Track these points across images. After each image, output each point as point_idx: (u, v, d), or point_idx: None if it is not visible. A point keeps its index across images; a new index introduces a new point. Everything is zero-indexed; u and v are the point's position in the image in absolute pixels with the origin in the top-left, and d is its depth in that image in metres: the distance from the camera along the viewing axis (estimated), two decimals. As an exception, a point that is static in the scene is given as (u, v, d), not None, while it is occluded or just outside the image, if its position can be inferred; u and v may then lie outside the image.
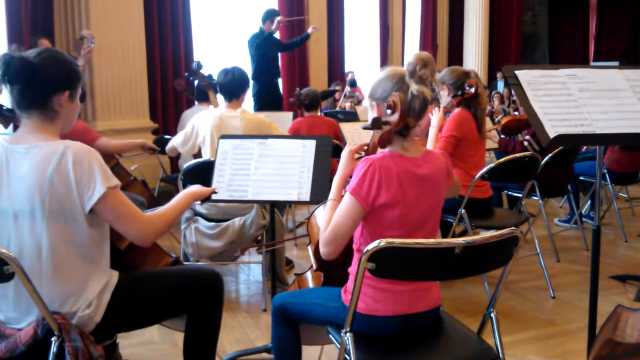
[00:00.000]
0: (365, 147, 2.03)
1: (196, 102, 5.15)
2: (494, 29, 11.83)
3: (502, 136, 4.97)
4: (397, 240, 1.56)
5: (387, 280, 1.74)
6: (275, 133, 3.41)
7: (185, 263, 3.14)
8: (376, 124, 1.77)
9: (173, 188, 5.07)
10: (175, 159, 5.59)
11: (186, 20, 6.79)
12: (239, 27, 7.57)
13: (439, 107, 3.30)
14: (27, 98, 1.76)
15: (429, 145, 3.11)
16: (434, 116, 3.20)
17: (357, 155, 2.02)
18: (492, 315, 1.80)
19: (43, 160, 1.71)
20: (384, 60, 9.92)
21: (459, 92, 3.40)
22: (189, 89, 5.67)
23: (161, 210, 1.91)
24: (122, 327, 1.96)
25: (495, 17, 11.84)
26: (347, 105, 8.39)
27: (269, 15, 6.21)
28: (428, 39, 10.73)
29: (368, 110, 1.94)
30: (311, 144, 2.62)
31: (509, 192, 4.25)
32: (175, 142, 3.58)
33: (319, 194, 2.51)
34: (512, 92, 9.47)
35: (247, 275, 3.95)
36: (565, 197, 5.04)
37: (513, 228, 1.64)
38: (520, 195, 3.84)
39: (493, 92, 10.60)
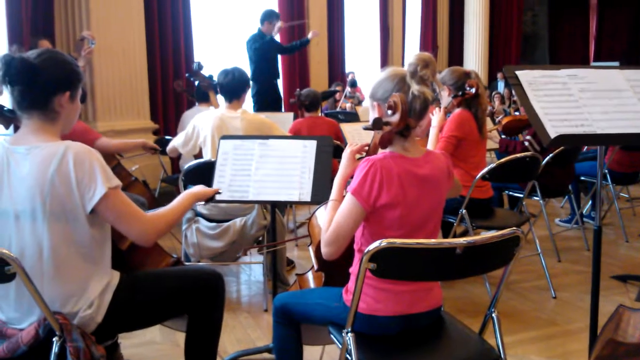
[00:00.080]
0: (366, 148, 2.03)
1: (196, 103, 5.15)
2: (494, 29, 11.83)
3: (503, 136, 4.96)
4: (398, 241, 1.56)
5: (388, 280, 1.74)
6: (276, 133, 3.41)
7: (187, 263, 3.14)
8: (377, 124, 1.77)
9: (174, 189, 5.07)
10: (176, 159, 5.59)
11: (186, 20, 6.80)
12: (239, 27, 7.57)
13: (440, 108, 3.30)
14: (27, 99, 1.76)
15: (430, 146, 3.11)
16: (435, 116, 3.20)
17: (358, 156, 2.03)
18: (493, 315, 1.79)
19: (44, 161, 1.71)
20: (384, 61, 9.92)
21: (460, 93, 3.40)
22: (188, 90, 5.68)
23: (163, 211, 1.91)
24: (124, 327, 1.96)
25: (495, 17, 11.84)
26: (348, 105, 8.40)
27: (268, 17, 6.21)
28: (428, 40, 10.73)
29: (369, 111, 1.94)
30: (312, 145, 2.62)
31: (510, 193, 4.25)
32: (176, 142, 3.58)
33: (320, 194, 2.50)
34: (513, 92, 9.48)
35: (248, 276, 3.95)
36: (566, 197, 5.04)
37: (514, 228, 1.64)
38: (521, 195, 3.84)
39: (493, 93, 10.61)
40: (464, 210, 3.28)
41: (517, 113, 7.58)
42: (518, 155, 3.40)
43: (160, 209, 1.93)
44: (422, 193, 1.79)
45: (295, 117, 5.35)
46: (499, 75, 11.76)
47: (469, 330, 1.88)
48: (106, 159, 1.86)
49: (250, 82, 3.94)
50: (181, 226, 3.41)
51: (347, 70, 9.60)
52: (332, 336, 1.88)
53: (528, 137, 4.36)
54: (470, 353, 1.77)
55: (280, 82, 6.90)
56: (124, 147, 3.85)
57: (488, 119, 4.67)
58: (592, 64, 13.24)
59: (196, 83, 4.87)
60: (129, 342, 2.77)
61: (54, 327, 1.70)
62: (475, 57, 11.08)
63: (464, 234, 3.66)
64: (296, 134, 4.56)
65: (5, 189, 1.73)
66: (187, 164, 3.36)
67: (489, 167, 3.31)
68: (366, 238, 1.80)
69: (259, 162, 2.63)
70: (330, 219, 1.81)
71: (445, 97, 3.48)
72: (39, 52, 1.78)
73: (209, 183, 2.52)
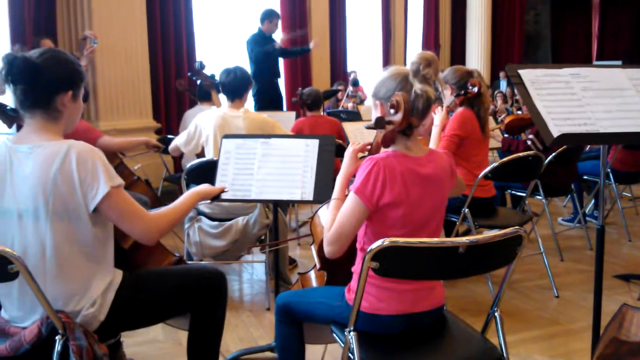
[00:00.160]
0: (369, 147, 2.03)
1: (198, 102, 5.15)
2: (496, 28, 11.82)
3: (506, 135, 4.96)
4: (401, 240, 1.56)
5: (390, 279, 1.74)
6: (278, 132, 3.41)
7: (189, 262, 3.14)
8: (379, 123, 1.77)
9: (176, 187, 5.08)
10: (178, 158, 5.59)
11: (188, 20, 6.80)
12: (241, 27, 7.57)
13: (442, 107, 3.29)
14: (30, 98, 1.76)
15: (432, 145, 3.10)
16: (437, 115, 3.20)
17: (360, 155, 2.02)
18: (496, 314, 1.79)
19: (46, 160, 1.71)
20: (386, 60, 9.92)
21: (462, 92, 3.40)
22: (191, 89, 5.68)
23: (166, 209, 1.91)
24: (126, 325, 1.96)
25: (497, 16, 11.83)
26: (350, 105, 8.40)
27: (267, 16, 6.21)
28: (430, 39, 10.72)
29: (371, 110, 1.94)
30: (314, 144, 2.62)
31: (513, 192, 4.24)
32: (178, 141, 3.58)
33: (322, 193, 2.50)
34: (515, 91, 9.46)
35: (251, 275, 3.95)
36: (569, 196, 5.03)
37: (517, 227, 1.64)
38: (524, 194, 3.83)
39: (496, 92, 10.60)
40: (466, 209, 3.28)
41: (519, 112, 7.57)
42: (520, 154, 3.40)
43: (163, 207, 1.93)
44: (425, 192, 1.78)
45: (298, 116, 5.35)
46: (502, 74, 11.76)
47: (471, 329, 1.87)
48: (108, 157, 1.87)
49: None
50: (183, 225, 3.42)
51: (349, 70, 9.59)
52: (334, 335, 1.88)
53: (531, 136, 4.35)
54: (473, 352, 1.77)
55: (282, 81, 6.89)
56: (126, 146, 3.85)
57: (490, 118, 4.67)
58: (595, 63, 13.22)
59: (198, 82, 4.86)
60: (132, 341, 2.78)
61: (57, 326, 1.70)
62: (477, 56, 11.07)
63: (467, 233, 3.66)
64: (298, 133, 4.56)
65: (8, 188, 1.73)
66: (190, 163, 3.36)
67: (492, 166, 3.30)
68: (369, 237, 1.80)
69: (261, 161, 2.63)
70: (332, 218, 1.81)
71: (448, 96, 3.48)
72: (41, 51, 1.78)
73: (211, 182, 2.52)
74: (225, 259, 3.43)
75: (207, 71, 4.54)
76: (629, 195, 5.63)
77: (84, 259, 1.78)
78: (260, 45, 6.18)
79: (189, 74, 4.98)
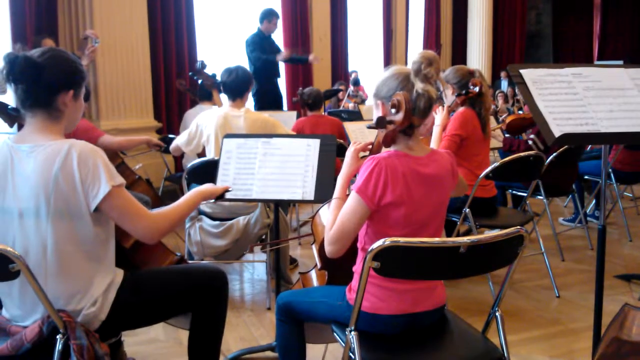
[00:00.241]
0: (370, 146, 2.03)
1: (199, 102, 5.15)
2: (497, 28, 11.82)
3: (507, 135, 4.96)
4: (402, 239, 1.56)
5: (391, 279, 1.74)
6: (280, 132, 3.41)
7: (190, 262, 3.14)
8: (381, 123, 1.77)
9: (177, 187, 5.08)
10: (179, 158, 5.59)
11: (189, 19, 6.80)
12: (242, 26, 7.57)
13: (443, 106, 3.29)
14: (31, 97, 1.76)
15: (433, 144, 3.10)
16: (438, 115, 3.20)
17: (361, 154, 2.02)
18: (497, 314, 1.79)
19: (48, 159, 1.71)
20: (388, 60, 9.92)
21: (464, 91, 3.39)
22: (191, 89, 5.68)
23: (167, 209, 1.91)
24: (127, 325, 1.96)
25: (499, 16, 11.83)
26: (351, 105, 8.39)
27: (266, 15, 6.21)
28: (432, 38, 10.72)
29: (373, 109, 1.94)
30: (315, 143, 2.62)
31: (514, 191, 4.24)
32: (179, 141, 3.58)
33: (323, 193, 2.51)
34: (517, 91, 9.46)
35: (252, 274, 3.96)
36: (570, 196, 5.03)
37: (518, 227, 1.64)
38: (525, 194, 3.83)
39: (497, 91, 10.61)
40: (467, 209, 3.27)
41: (520, 112, 7.57)
42: (522, 154, 3.40)
43: (165, 207, 1.93)
44: (426, 192, 1.78)
45: (299, 116, 5.35)
46: (503, 74, 11.75)
47: (472, 329, 1.87)
48: (110, 157, 1.87)
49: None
50: (184, 224, 3.42)
51: (350, 69, 9.59)
52: (335, 335, 1.88)
53: (532, 136, 4.35)
54: (474, 352, 1.76)
55: (283, 81, 6.87)
56: (127, 144, 3.85)
57: (492, 118, 4.67)
58: (596, 62, 13.21)
59: (199, 82, 4.86)
60: (132, 340, 2.78)
61: (58, 325, 1.70)
62: (478, 56, 11.07)
63: (468, 232, 3.66)
64: (299, 133, 4.56)
65: (9, 187, 1.73)
66: (191, 162, 3.36)
67: (493, 166, 3.30)
68: (370, 237, 1.80)
69: (262, 161, 2.63)
70: (334, 218, 1.81)
71: (449, 96, 3.48)
72: (42, 50, 1.78)
73: (212, 182, 2.52)
74: (226, 258, 3.43)
75: (209, 71, 4.54)
76: (630, 195, 5.62)
77: (85, 258, 1.78)
78: (260, 46, 6.18)
79: (190, 73, 4.98)
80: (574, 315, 3.15)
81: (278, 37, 7.74)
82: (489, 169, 3.30)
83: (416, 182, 1.76)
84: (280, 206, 3.22)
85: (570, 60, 14.45)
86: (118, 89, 5.73)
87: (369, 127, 1.84)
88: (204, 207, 3.39)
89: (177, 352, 2.74)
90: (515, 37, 12.35)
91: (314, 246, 2.32)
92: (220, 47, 7.60)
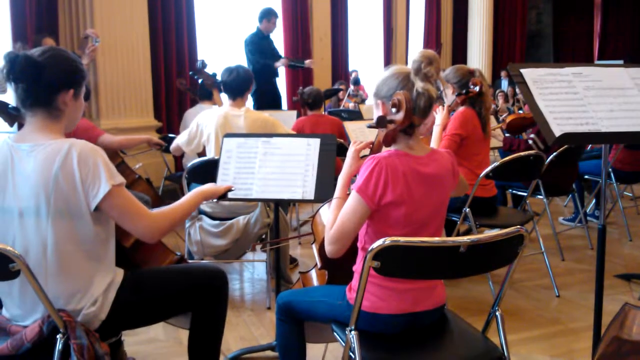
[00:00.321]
0: (370, 146, 2.03)
1: (199, 101, 5.15)
2: (498, 27, 11.82)
3: (507, 135, 4.96)
4: (402, 239, 1.56)
5: (392, 278, 1.73)
6: (280, 131, 3.41)
7: (190, 261, 3.14)
8: (381, 122, 1.77)
9: (177, 186, 5.08)
10: (179, 157, 5.59)
11: (190, 18, 6.80)
12: (243, 25, 7.57)
13: (443, 106, 3.29)
14: (31, 96, 1.76)
15: (433, 144, 3.10)
16: (438, 115, 3.19)
17: (362, 154, 2.02)
18: (497, 313, 1.79)
19: (48, 159, 1.71)
20: (388, 60, 9.92)
21: (464, 91, 3.39)
22: (192, 88, 5.68)
23: (168, 208, 1.91)
24: (127, 324, 1.96)
25: (499, 15, 11.83)
26: (351, 104, 8.39)
27: (265, 15, 6.21)
28: (432, 38, 10.72)
29: (373, 109, 1.94)
30: (315, 143, 2.62)
31: (514, 191, 4.24)
32: (179, 141, 3.58)
33: (323, 192, 2.50)
34: (517, 90, 9.46)
35: (252, 274, 3.96)
36: (570, 196, 5.03)
37: (518, 227, 1.64)
38: (525, 194, 3.83)
39: (497, 91, 10.61)
40: (467, 209, 3.27)
41: (520, 111, 7.57)
42: (522, 153, 3.40)
43: (166, 206, 1.93)
44: (426, 191, 1.78)
45: (299, 116, 5.35)
46: (503, 73, 11.75)
47: (472, 329, 1.87)
48: (110, 156, 1.87)
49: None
50: (184, 224, 3.42)
51: (350, 69, 9.59)
52: (335, 334, 1.88)
53: (532, 136, 4.35)
54: (474, 351, 1.76)
55: (283, 81, 6.86)
56: (127, 143, 3.85)
57: (492, 117, 4.67)
58: (596, 62, 13.21)
59: (200, 81, 4.86)
60: (132, 340, 2.78)
61: (58, 325, 1.70)
62: (479, 56, 11.07)
63: (468, 232, 3.66)
64: (299, 132, 4.56)
65: (9, 187, 1.73)
66: (191, 162, 3.37)
67: (493, 165, 3.30)
68: (370, 236, 1.80)
69: (263, 160, 2.63)
70: (334, 217, 1.81)
71: (449, 95, 3.48)
72: (42, 49, 1.78)
73: (212, 181, 2.52)
74: (226, 258, 3.43)
75: (209, 70, 4.54)
76: (630, 195, 5.62)
77: (85, 258, 1.78)
78: (259, 46, 6.18)
79: (190, 72, 4.97)
80: (574, 315, 3.15)
81: (278, 36, 7.75)
82: (489, 168, 3.30)
83: (416, 182, 1.76)
84: (281, 206, 3.22)
85: (571, 60, 14.45)
86: (118, 88, 5.74)
87: (370, 127, 1.84)
88: (204, 206, 3.39)
89: (177, 351, 2.74)
90: (516, 36, 12.35)
91: (314, 246, 2.32)
92: (220, 46, 7.60)
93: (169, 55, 6.51)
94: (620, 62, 10.94)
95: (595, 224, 4.67)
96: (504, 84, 11.67)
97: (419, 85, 1.76)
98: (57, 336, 1.70)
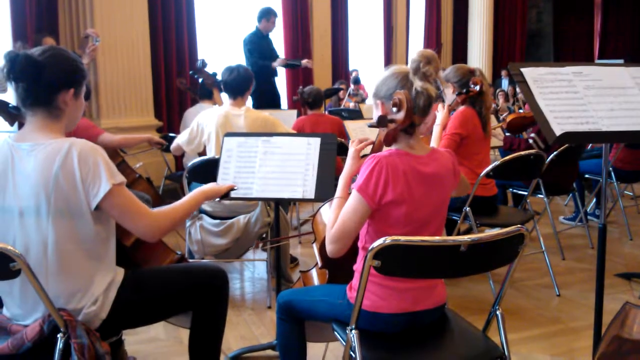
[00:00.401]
0: (371, 144, 2.03)
1: (199, 100, 5.15)
2: (498, 26, 11.80)
3: (507, 134, 4.95)
4: (403, 238, 1.56)
5: (392, 277, 1.73)
6: (280, 130, 3.41)
7: (191, 260, 3.14)
8: (382, 121, 1.77)
9: (178, 186, 5.08)
10: (179, 156, 5.59)
11: (190, 18, 6.80)
12: (243, 25, 7.57)
13: (444, 105, 3.29)
14: (31, 96, 1.76)
15: (433, 143, 3.10)
16: (439, 114, 3.19)
17: (363, 153, 2.02)
18: (497, 313, 1.79)
19: (48, 158, 1.71)
20: (388, 59, 9.91)
21: (464, 90, 3.39)
22: (192, 88, 5.68)
23: (169, 207, 1.91)
24: (128, 324, 1.96)
25: (499, 14, 11.81)
26: (351, 104, 8.39)
27: (265, 14, 6.21)
28: (432, 37, 10.71)
29: (373, 109, 1.94)
30: (316, 142, 2.62)
31: (514, 190, 4.24)
32: (180, 140, 3.58)
33: (323, 191, 2.51)
34: (517, 89, 9.45)
35: (252, 273, 3.96)
36: (571, 195, 5.02)
37: (518, 226, 1.64)
38: (525, 193, 3.83)
39: (497, 90, 10.60)
40: (468, 208, 3.27)
41: (521, 111, 7.56)
42: (522, 152, 3.40)
43: (167, 205, 1.93)
44: (427, 191, 1.78)
45: (299, 115, 5.35)
46: (503, 72, 11.75)
47: (473, 328, 1.88)
48: (110, 155, 1.87)
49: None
50: (185, 223, 3.42)
51: (350, 68, 9.58)
52: (336, 333, 1.88)
53: (532, 135, 4.35)
54: (474, 350, 1.77)
55: (283, 80, 6.85)
56: (127, 143, 3.85)
57: (492, 117, 4.67)
58: (597, 61, 13.20)
59: (200, 80, 4.86)
60: (133, 339, 2.78)
61: (59, 324, 1.70)
62: (479, 55, 11.05)
63: (468, 231, 3.66)
64: (299, 132, 4.56)
65: (9, 186, 1.73)
66: (191, 161, 3.37)
67: (493, 164, 3.30)
68: (370, 235, 1.80)
69: (263, 160, 2.63)
70: (335, 216, 1.81)
71: (450, 95, 3.47)
72: (43, 49, 1.78)
73: (213, 180, 2.52)
74: (227, 257, 3.44)
75: (209, 69, 4.54)
76: (631, 194, 5.62)
77: (85, 257, 1.78)
78: (258, 46, 6.18)
79: (190, 72, 4.98)
80: (575, 314, 3.15)
81: (278, 35, 7.74)
82: (490, 167, 3.30)
83: (417, 181, 1.76)
84: (281, 205, 3.22)
85: (571, 59, 14.43)
86: (119, 88, 5.74)
87: (370, 126, 1.84)
88: (204, 205, 3.39)
89: (178, 350, 2.75)
90: (516, 35, 12.34)
91: (314, 245, 2.32)
92: (220, 45, 7.60)
93: (169, 55, 6.51)
94: (621, 61, 10.94)
95: (595, 223, 4.68)
96: (504, 83, 11.67)
97: (417, 84, 1.77)
98: (58, 335, 1.70)
